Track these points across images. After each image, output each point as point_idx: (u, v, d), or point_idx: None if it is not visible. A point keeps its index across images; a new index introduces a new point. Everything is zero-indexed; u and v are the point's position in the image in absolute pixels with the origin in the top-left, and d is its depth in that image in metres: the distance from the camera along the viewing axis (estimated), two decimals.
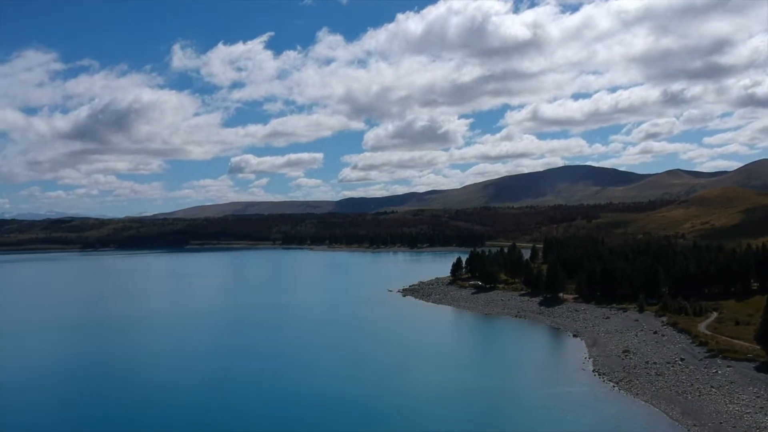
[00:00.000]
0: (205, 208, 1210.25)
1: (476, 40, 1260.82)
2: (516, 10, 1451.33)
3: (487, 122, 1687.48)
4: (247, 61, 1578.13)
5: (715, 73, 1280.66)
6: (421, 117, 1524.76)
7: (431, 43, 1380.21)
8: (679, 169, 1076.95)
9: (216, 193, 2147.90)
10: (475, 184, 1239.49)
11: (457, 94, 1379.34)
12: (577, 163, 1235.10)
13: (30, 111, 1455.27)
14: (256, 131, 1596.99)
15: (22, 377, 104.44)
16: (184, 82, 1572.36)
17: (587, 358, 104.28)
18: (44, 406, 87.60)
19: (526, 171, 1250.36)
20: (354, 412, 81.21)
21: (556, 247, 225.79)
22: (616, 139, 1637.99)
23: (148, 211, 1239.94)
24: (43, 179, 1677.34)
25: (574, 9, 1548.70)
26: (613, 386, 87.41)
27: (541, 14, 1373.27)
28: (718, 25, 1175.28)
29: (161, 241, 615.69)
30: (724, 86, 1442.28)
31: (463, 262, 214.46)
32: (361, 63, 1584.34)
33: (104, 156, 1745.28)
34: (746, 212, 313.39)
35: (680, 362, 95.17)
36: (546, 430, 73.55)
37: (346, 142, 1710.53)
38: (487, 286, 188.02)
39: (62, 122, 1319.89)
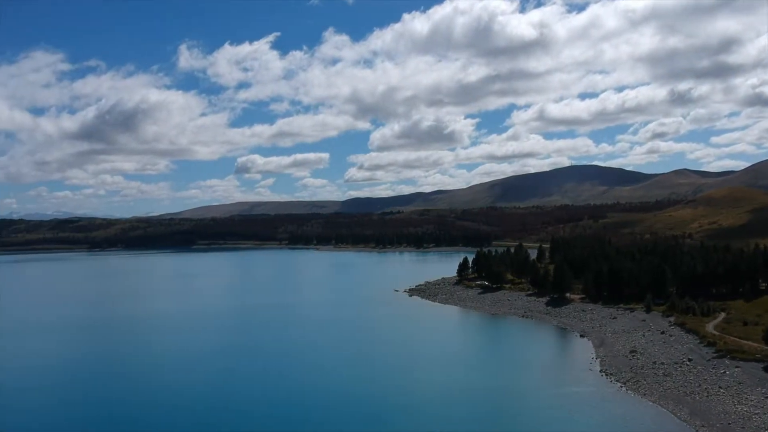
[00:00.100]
0: (212, 208, 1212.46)
1: (482, 39, 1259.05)
2: (522, 9, 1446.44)
3: (493, 122, 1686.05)
4: (253, 61, 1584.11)
5: (722, 72, 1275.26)
6: (427, 117, 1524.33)
7: (437, 43, 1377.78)
8: (686, 169, 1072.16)
9: (222, 193, 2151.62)
10: (481, 184, 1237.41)
11: (464, 94, 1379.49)
12: (584, 162, 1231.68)
13: (37, 111, 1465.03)
14: (262, 131, 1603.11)
15: (26, 377, 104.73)
16: (190, 82, 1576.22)
17: (594, 359, 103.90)
18: (48, 406, 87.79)
19: (532, 171, 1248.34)
20: (359, 412, 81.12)
21: (563, 247, 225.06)
22: (623, 138, 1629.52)
23: (155, 211, 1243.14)
24: (51, 179, 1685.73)
25: (581, 8, 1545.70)
26: (621, 386, 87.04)
27: (547, 14, 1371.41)
28: (725, 25, 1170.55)
29: (168, 241, 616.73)
30: (732, 86, 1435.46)
31: (470, 262, 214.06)
32: (367, 63, 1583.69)
33: (111, 156, 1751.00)
34: (754, 212, 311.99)
35: (688, 363, 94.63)
36: (553, 431, 73.30)
37: (352, 142, 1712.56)
38: (494, 286, 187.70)
39: (69, 123, 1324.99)
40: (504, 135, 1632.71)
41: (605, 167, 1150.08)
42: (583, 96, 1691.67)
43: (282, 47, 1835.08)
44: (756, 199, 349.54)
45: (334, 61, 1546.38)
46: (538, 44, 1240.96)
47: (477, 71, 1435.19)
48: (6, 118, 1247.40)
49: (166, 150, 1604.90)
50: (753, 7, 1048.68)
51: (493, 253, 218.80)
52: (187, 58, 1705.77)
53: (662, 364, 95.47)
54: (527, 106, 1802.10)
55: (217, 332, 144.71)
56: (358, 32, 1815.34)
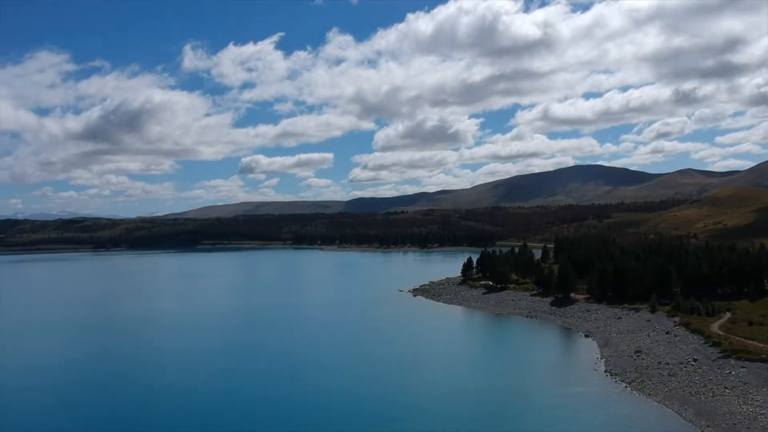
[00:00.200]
0: (216, 209, 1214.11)
1: (486, 39, 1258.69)
2: (526, 9, 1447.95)
3: (497, 122, 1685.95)
4: (257, 61, 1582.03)
5: (727, 71, 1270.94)
6: (431, 117, 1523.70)
7: (441, 43, 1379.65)
8: (690, 169, 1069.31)
9: (227, 193, 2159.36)
10: (485, 184, 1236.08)
11: (468, 93, 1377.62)
12: (588, 162, 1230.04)
13: (42, 112, 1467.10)
14: (266, 131, 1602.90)
15: (29, 377, 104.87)
16: (195, 82, 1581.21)
17: (599, 359, 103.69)
18: (51, 406, 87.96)
19: (536, 171, 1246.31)
20: (363, 412, 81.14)
21: (567, 247, 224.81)
22: (628, 138, 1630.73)
23: (160, 211, 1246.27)
24: (56, 180, 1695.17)
25: (585, 8, 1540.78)
26: (626, 387, 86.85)
27: (551, 13, 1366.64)
28: (730, 24, 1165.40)
29: (173, 241, 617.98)
30: (737, 85, 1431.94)
31: (474, 262, 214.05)
32: (371, 63, 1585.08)
33: (116, 156, 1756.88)
34: (759, 212, 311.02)
35: (693, 363, 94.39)
36: (557, 431, 73.22)
37: (356, 142, 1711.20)
38: (498, 286, 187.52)
39: (74, 123, 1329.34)
40: (508, 135, 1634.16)
41: (610, 167, 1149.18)
42: (587, 96, 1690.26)
43: (286, 47, 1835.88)
44: (761, 198, 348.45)
45: (338, 61, 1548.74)
46: (543, 44, 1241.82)
47: (481, 71, 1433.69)
48: (11, 118, 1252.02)
49: (171, 150, 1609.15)
50: (758, 6, 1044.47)
51: (498, 253, 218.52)
52: (191, 59, 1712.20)
53: (667, 364, 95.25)
54: (531, 105, 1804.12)
55: (220, 332, 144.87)
56: (362, 32, 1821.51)
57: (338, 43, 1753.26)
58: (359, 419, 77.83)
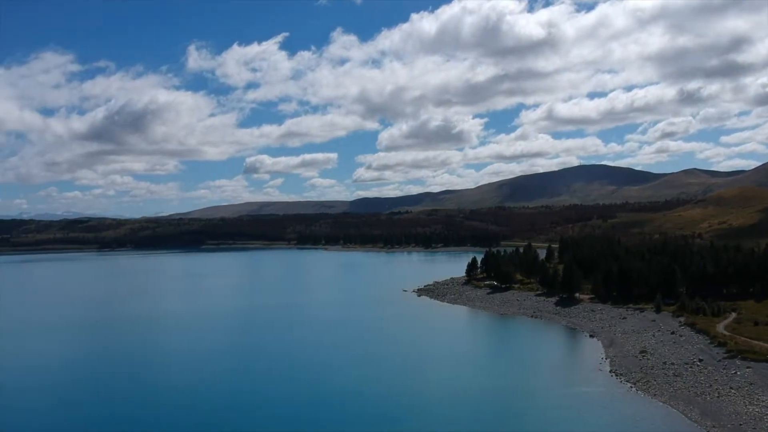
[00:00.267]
0: (221, 209, 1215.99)
1: (491, 39, 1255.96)
2: (530, 9, 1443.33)
3: (501, 122, 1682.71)
4: (261, 61, 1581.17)
5: (732, 71, 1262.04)
6: (435, 117, 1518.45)
7: (445, 43, 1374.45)
8: (695, 169, 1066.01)
9: (231, 193, 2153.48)
10: (489, 184, 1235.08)
11: (472, 93, 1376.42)
12: (593, 162, 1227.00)
13: (47, 112, 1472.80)
14: (270, 132, 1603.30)
15: (32, 377, 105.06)
16: (199, 83, 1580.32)
17: (604, 359, 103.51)
18: (54, 406, 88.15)
19: (541, 170, 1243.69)
20: (367, 411, 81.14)
21: (572, 246, 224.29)
22: (632, 138, 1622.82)
23: (164, 211, 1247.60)
24: (61, 180, 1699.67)
25: (589, 8, 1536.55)
26: (631, 387, 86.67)
27: (555, 13, 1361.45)
28: (735, 23, 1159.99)
29: (177, 241, 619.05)
30: (741, 85, 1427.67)
31: (478, 262, 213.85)
32: (376, 63, 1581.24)
33: (121, 157, 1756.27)
34: (764, 212, 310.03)
35: (698, 363, 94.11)
36: (562, 431, 73.14)
37: (361, 142, 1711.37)
38: (503, 286, 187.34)
39: (79, 123, 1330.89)
40: (512, 135, 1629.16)
41: (614, 167, 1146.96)
42: (591, 95, 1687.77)
43: (290, 48, 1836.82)
44: (766, 198, 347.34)
45: (343, 62, 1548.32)
46: (547, 44, 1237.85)
47: (485, 71, 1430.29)
48: (16, 118, 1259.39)
49: (175, 150, 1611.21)
50: (763, 6, 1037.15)
51: (502, 253, 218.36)
52: (195, 59, 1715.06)
53: (672, 364, 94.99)
54: (536, 105, 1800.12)
55: (224, 332, 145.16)
56: (366, 32, 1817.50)
57: (342, 43, 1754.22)
58: (364, 419, 77.86)
